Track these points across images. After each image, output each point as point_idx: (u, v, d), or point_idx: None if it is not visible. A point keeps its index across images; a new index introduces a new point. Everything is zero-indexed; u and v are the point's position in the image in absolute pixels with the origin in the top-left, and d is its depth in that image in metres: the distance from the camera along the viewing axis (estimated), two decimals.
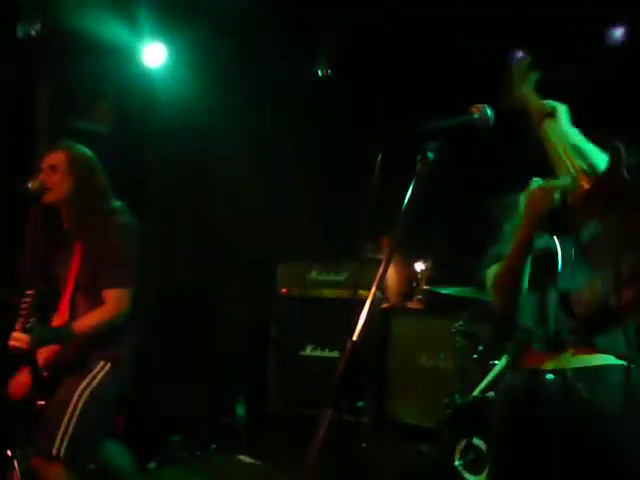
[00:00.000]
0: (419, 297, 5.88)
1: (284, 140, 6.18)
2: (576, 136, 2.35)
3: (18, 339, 3.07)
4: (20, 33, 4.70)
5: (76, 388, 3.17)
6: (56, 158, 3.31)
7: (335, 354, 5.71)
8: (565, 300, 2.26)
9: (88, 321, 3.22)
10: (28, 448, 3.21)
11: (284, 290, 6.08)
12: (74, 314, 3.29)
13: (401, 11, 5.33)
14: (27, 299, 3.10)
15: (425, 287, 5.78)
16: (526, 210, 2.27)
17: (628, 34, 5.11)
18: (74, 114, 5.12)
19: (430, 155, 1.88)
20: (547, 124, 2.35)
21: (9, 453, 3.27)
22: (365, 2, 5.28)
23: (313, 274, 6.06)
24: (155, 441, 5.06)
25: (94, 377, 3.21)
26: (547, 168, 2.43)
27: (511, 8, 4.96)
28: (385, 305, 5.88)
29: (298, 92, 6.14)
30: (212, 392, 5.63)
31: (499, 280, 2.41)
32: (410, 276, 6.00)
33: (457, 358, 4.93)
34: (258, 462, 5.10)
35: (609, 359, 2.23)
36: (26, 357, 3.18)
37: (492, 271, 2.47)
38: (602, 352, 2.24)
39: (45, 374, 3.25)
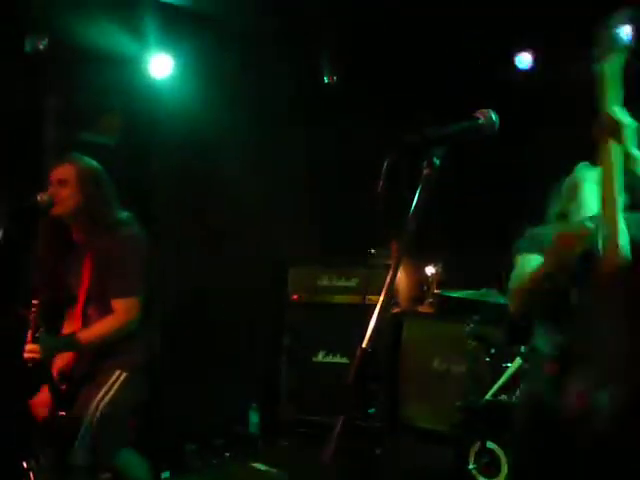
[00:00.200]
0: (430, 301, 5.89)
1: (292, 148, 6.20)
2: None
3: (31, 350, 3.11)
4: (28, 47, 4.73)
5: (94, 398, 3.20)
6: (65, 172, 3.33)
7: (348, 360, 5.71)
8: None
9: (96, 330, 3.27)
10: (44, 459, 3.23)
11: (295, 297, 6.09)
12: (87, 324, 3.33)
13: (402, 12, 5.34)
14: (33, 309, 3.13)
15: (436, 291, 5.79)
16: (554, 248, 2.28)
17: None
18: (81, 126, 5.15)
19: (436, 161, 1.88)
20: (611, 144, 2.29)
21: (25, 465, 3.29)
22: (365, 5, 5.29)
23: (324, 280, 6.06)
24: (169, 450, 5.07)
25: (111, 386, 3.25)
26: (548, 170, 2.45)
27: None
28: (396, 310, 5.88)
29: (304, 100, 6.16)
30: (225, 400, 5.63)
31: (517, 291, 2.45)
32: (421, 280, 6.01)
33: (469, 361, 4.93)
34: (272, 469, 5.09)
35: None
36: (42, 370, 3.21)
37: (515, 275, 2.49)
38: None
39: (63, 387, 3.28)
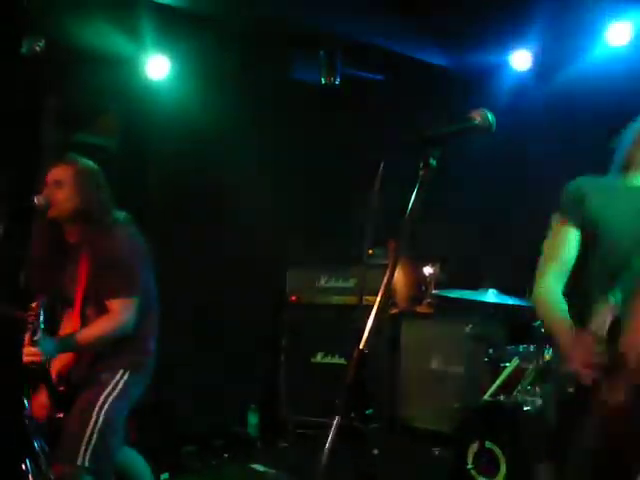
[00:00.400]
0: (428, 301, 5.89)
1: (291, 149, 6.20)
2: None
3: (31, 353, 3.08)
4: (25, 49, 4.73)
5: (97, 398, 3.18)
6: (61, 173, 3.31)
7: (346, 361, 5.71)
8: None
9: (92, 331, 3.23)
10: (43, 461, 3.22)
11: (293, 298, 6.09)
12: (85, 324, 3.30)
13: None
14: (32, 312, 3.12)
15: (434, 291, 5.79)
16: (570, 349, 2.27)
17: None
18: (79, 127, 5.15)
19: (432, 162, 1.88)
20: None
21: (24, 467, 3.28)
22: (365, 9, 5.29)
23: (322, 281, 6.07)
24: (168, 451, 5.06)
25: (115, 386, 3.23)
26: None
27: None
28: (395, 310, 5.88)
29: (304, 100, 6.17)
30: (224, 401, 5.63)
31: (535, 304, 2.50)
32: (419, 280, 6.00)
33: (468, 361, 4.93)
34: (271, 470, 5.10)
35: None
36: (40, 373, 3.19)
37: (543, 258, 2.51)
38: None
39: (62, 388, 3.27)
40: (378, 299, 1.82)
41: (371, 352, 1.78)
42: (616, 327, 2.20)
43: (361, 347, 1.78)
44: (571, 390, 2.28)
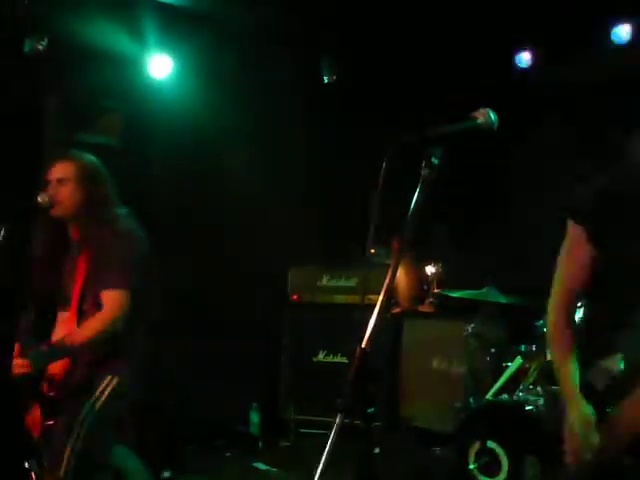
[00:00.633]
0: (430, 300, 5.89)
1: (292, 147, 6.21)
2: None
3: (20, 365, 3.04)
4: (27, 48, 4.73)
5: (82, 406, 3.12)
6: (63, 170, 3.28)
7: (348, 360, 5.71)
8: None
9: (84, 331, 3.15)
10: (45, 460, 3.21)
11: (295, 297, 6.09)
12: (83, 321, 3.26)
13: (403, 12, 5.34)
14: (23, 322, 3.10)
15: (436, 290, 5.79)
16: (570, 435, 2.23)
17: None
18: (81, 126, 5.15)
19: (435, 161, 1.88)
20: None
21: (27, 465, 3.28)
22: (365, 7, 5.29)
23: (324, 280, 6.07)
24: (170, 450, 5.07)
25: (101, 393, 3.16)
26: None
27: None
28: (397, 309, 5.88)
29: (304, 98, 6.17)
30: (226, 400, 5.63)
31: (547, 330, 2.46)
32: (421, 280, 6.00)
33: (470, 361, 4.93)
34: (273, 469, 5.10)
35: None
36: (30, 384, 3.16)
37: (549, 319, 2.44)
38: None
39: (53, 394, 3.21)
40: (380, 298, 1.82)
41: (373, 351, 1.78)
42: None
43: (363, 346, 1.78)
44: None
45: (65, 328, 3.31)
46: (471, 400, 4.66)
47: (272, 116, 6.00)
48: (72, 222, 3.33)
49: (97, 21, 4.86)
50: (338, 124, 6.20)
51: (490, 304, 4.97)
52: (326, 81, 5.96)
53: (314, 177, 6.37)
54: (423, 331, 5.74)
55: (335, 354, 5.86)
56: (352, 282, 5.96)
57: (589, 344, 2.32)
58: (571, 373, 2.28)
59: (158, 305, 3.51)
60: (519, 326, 4.82)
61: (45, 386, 3.23)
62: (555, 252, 2.38)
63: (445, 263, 5.84)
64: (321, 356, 5.91)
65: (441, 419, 5.19)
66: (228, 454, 5.42)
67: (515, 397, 4.28)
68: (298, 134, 6.28)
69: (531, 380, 4.30)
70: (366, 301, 5.55)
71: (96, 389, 3.18)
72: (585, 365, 2.27)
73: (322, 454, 1.73)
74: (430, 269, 5.88)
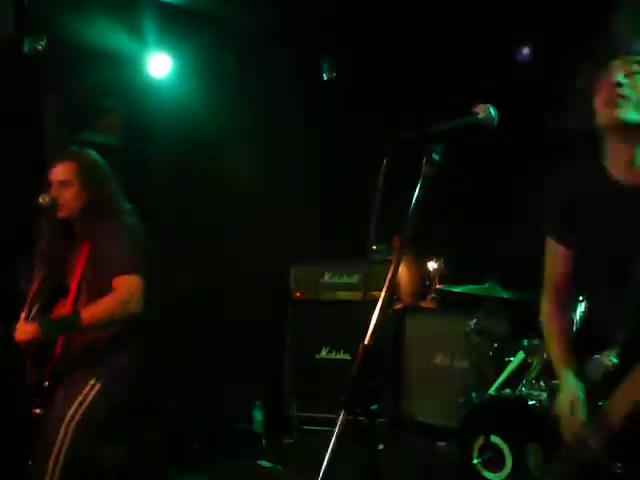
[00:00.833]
0: (433, 296, 5.89)
1: (292, 147, 6.20)
2: None
3: (26, 331, 3.01)
4: (27, 48, 4.74)
5: (66, 413, 3.07)
6: (65, 171, 3.27)
7: (351, 356, 5.72)
8: None
9: (98, 308, 3.07)
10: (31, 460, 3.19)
11: (298, 294, 6.10)
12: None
13: (402, 12, 5.34)
14: (33, 288, 3.06)
15: (438, 286, 5.79)
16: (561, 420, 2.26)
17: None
18: (81, 126, 5.15)
19: (435, 157, 1.88)
20: None
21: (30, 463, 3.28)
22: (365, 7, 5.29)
23: (326, 277, 6.07)
24: (175, 448, 5.07)
25: (84, 399, 3.11)
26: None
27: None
28: (399, 305, 5.88)
29: (304, 98, 6.16)
30: (230, 398, 5.64)
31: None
32: (423, 275, 6.01)
33: (472, 356, 4.93)
34: (277, 467, 5.11)
35: None
36: (34, 354, 3.12)
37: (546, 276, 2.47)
38: None
39: (46, 384, 3.17)
40: (382, 294, 1.83)
41: (376, 347, 1.78)
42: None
43: (366, 342, 1.79)
44: None
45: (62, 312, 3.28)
46: (474, 395, 4.66)
47: (272, 116, 5.99)
48: (78, 222, 3.31)
49: (97, 21, 4.86)
50: (338, 124, 6.19)
51: (492, 299, 4.96)
52: (325, 78, 5.95)
53: (314, 177, 6.37)
54: (425, 327, 5.75)
55: (338, 351, 5.86)
56: (354, 279, 5.96)
57: (586, 338, 2.37)
58: (563, 352, 2.36)
59: (158, 305, 3.51)
60: (522, 321, 4.82)
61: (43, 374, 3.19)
62: None
63: (447, 258, 5.84)
64: (324, 353, 5.91)
65: (444, 414, 5.20)
66: (232, 452, 5.42)
67: (518, 392, 4.28)
68: (298, 134, 6.28)
69: (534, 375, 4.30)
70: (368, 298, 5.55)
71: (79, 395, 3.12)
72: (581, 359, 2.29)
73: (326, 451, 1.73)
74: (432, 265, 5.88)
